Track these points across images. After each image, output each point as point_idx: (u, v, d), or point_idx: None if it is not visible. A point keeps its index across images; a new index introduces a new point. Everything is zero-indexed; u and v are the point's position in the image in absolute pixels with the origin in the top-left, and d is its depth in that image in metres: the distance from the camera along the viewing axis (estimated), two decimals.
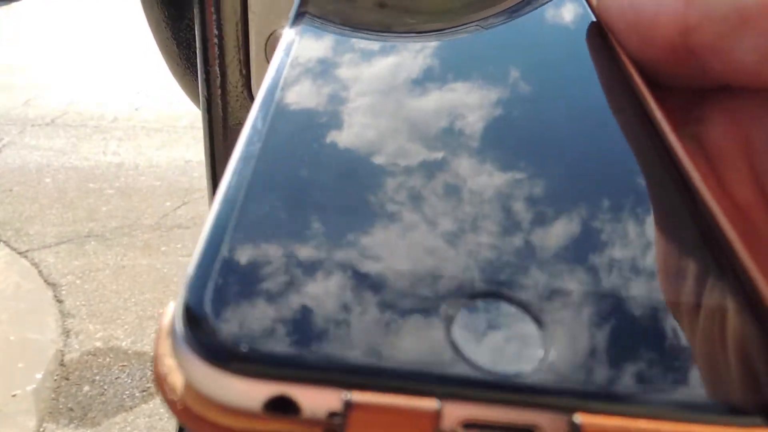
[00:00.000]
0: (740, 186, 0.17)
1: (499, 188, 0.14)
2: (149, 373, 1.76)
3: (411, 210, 0.13)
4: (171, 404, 0.11)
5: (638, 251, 0.13)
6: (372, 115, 0.16)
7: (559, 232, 0.13)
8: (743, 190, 0.17)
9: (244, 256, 0.12)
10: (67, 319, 1.95)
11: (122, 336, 1.89)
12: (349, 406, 0.10)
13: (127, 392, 1.71)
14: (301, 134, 0.15)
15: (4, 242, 2.32)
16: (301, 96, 0.16)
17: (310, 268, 0.12)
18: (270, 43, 0.39)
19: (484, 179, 0.14)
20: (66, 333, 1.89)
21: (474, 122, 0.16)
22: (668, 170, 0.15)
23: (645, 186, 0.15)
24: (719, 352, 0.11)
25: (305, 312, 0.11)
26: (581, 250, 0.13)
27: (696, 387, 0.11)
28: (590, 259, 0.12)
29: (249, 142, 0.14)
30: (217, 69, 0.39)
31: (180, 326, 0.11)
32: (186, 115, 3.53)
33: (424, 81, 0.17)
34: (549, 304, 0.11)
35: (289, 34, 0.19)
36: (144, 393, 1.70)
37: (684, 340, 0.11)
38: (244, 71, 0.40)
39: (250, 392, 0.10)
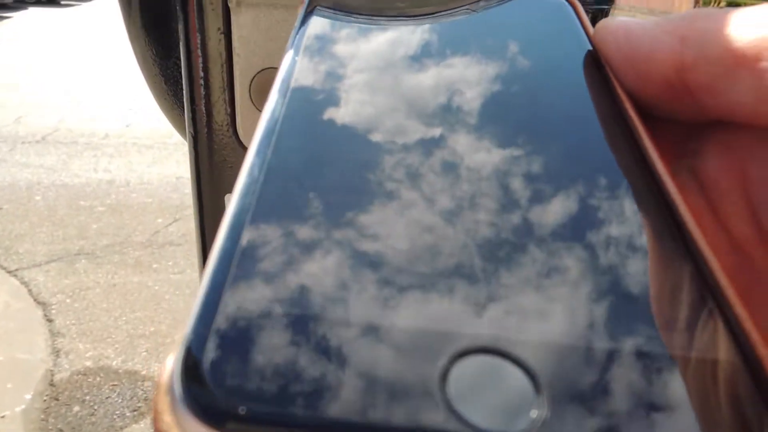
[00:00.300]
0: (737, 220, 0.17)
1: (492, 234, 0.14)
2: (140, 392, 1.75)
3: (399, 269, 0.13)
4: None
5: (630, 302, 0.13)
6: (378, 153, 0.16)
7: (549, 279, 0.13)
8: (740, 224, 0.17)
9: (240, 319, 0.12)
10: (56, 339, 1.93)
11: (113, 355, 1.88)
12: None
13: (117, 412, 1.69)
14: (295, 187, 0.15)
15: None
16: (295, 144, 0.16)
17: (304, 334, 0.12)
18: (254, 84, 0.40)
19: (474, 225, 0.14)
20: (56, 352, 1.87)
21: (465, 157, 0.16)
22: (660, 210, 0.15)
23: (636, 229, 0.14)
24: (714, 404, 0.11)
25: (300, 376, 0.11)
26: (573, 302, 0.13)
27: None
28: (582, 313, 0.12)
29: (244, 194, 0.14)
30: (203, 108, 0.40)
31: (178, 386, 0.11)
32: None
33: (434, 116, 0.17)
34: (543, 363, 0.12)
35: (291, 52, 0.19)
36: (135, 413, 1.68)
37: (677, 392, 0.11)
38: (229, 110, 0.42)
39: None
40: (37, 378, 1.77)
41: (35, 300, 2.11)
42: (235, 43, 0.38)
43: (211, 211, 0.45)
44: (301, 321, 0.12)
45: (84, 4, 12.24)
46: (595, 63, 0.19)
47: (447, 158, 0.16)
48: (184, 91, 0.39)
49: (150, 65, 0.49)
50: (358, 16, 0.21)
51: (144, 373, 1.82)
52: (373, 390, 0.11)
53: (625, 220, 0.15)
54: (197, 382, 0.11)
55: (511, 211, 0.14)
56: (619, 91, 0.18)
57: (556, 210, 0.15)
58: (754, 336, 0.12)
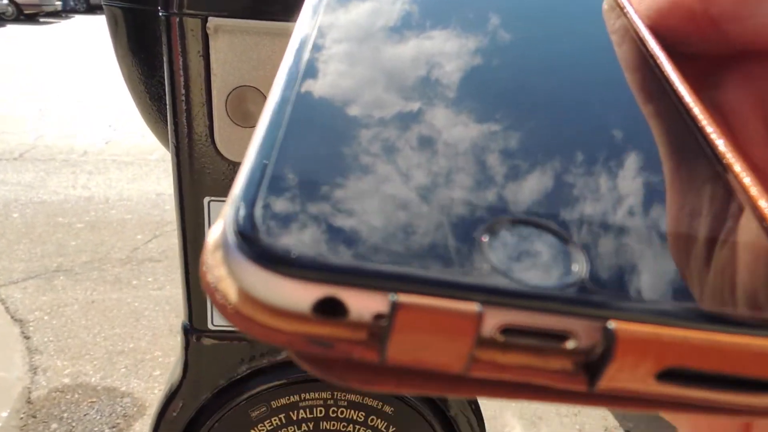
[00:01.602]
0: (757, 147, 0.17)
1: (533, 133, 0.15)
2: (119, 408, 1.74)
3: (453, 138, 0.14)
4: (222, 309, 0.11)
5: (659, 179, 0.14)
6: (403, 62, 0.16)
7: (591, 163, 0.14)
8: (760, 151, 0.17)
9: (292, 168, 0.12)
10: (34, 356, 1.91)
11: (91, 372, 1.87)
12: (395, 307, 0.10)
13: (96, 429, 1.67)
14: (340, 71, 0.15)
15: None
16: (337, 44, 0.16)
17: (359, 179, 0.12)
18: (230, 100, 0.44)
19: (524, 118, 0.15)
20: (33, 370, 1.85)
21: (495, 83, 0.16)
22: (682, 118, 0.15)
23: (662, 128, 0.15)
24: (739, 273, 0.12)
25: (355, 219, 0.11)
26: (609, 179, 0.13)
27: (718, 301, 0.11)
28: (618, 186, 0.13)
29: (290, 79, 0.14)
30: (185, 121, 0.44)
31: (232, 236, 0.11)
32: (158, 148, 3.52)
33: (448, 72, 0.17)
34: (585, 225, 0.12)
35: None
36: (114, 429, 1.67)
37: (709, 258, 0.12)
38: (207, 123, 0.46)
39: (301, 294, 0.10)
40: (14, 396, 1.75)
41: (12, 317, 2.09)
42: (213, 64, 0.43)
43: (193, 213, 0.48)
44: (355, 170, 0.12)
45: (62, 22, 12.17)
46: (618, 1, 0.20)
47: (477, 84, 0.16)
48: (168, 107, 0.43)
49: (136, 83, 0.53)
50: None
51: (123, 389, 1.81)
52: (425, 242, 0.11)
53: (647, 123, 0.15)
54: (252, 232, 0.11)
55: (545, 118, 0.15)
56: (643, 26, 0.18)
57: (598, 119, 0.15)
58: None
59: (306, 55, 0.15)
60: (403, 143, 0.13)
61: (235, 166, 0.48)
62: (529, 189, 0.13)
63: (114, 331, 2.04)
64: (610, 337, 0.11)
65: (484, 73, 0.16)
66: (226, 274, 0.11)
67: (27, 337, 1.99)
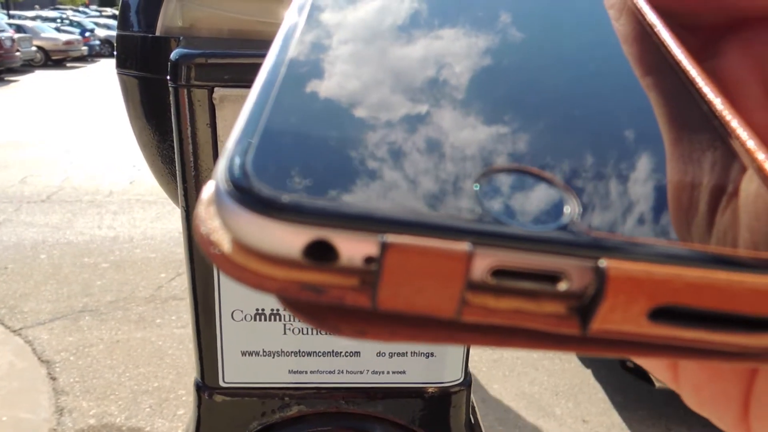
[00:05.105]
0: (758, 112, 0.17)
1: (527, 86, 0.15)
2: None
3: (448, 88, 0.14)
4: (216, 259, 0.11)
5: (654, 126, 0.14)
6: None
7: (584, 115, 0.14)
8: (761, 116, 0.17)
9: (283, 122, 0.12)
10: (60, 397, 1.93)
11: (116, 412, 1.87)
12: (384, 248, 0.10)
13: None
14: (334, 35, 0.15)
15: None
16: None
17: (349, 124, 0.12)
18: None
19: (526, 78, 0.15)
20: (59, 411, 1.87)
21: (488, 39, 0.16)
22: (682, 87, 0.15)
23: (661, 99, 0.15)
24: (735, 212, 0.12)
25: (344, 164, 0.11)
26: (600, 128, 0.14)
27: (713, 240, 0.11)
28: (609, 133, 0.14)
29: (285, 43, 0.15)
30: (194, 186, 0.45)
31: (224, 185, 0.11)
32: None
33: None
34: (578, 172, 0.12)
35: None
36: None
37: (707, 198, 0.12)
38: None
39: (291, 238, 0.10)
40: None
41: (39, 358, 2.11)
42: (220, 132, 0.44)
43: (202, 273, 0.49)
44: (345, 117, 0.12)
45: (88, 66, 12.59)
46: None
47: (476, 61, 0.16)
48: (177, 173, 0.45)
49: (148, 146, 0.55)
50: None
51: (148, 429, 1.81)
52: (414, 185, 0.11)
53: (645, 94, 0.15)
54: (243, 180, 0.11)
55: (549, 76, 0.16)
56: (642, 1, 0.18)
57: (594, 83, 0.16)
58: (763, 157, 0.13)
59: (302, 20, 0.16)
60: (397, 92, 0.13)
61: None
62: (522, 138, 0.13)
63: (138, 371, 2.05)
64: (601, 275, 0.11)
65: (476, 27, 0.16)
66: (220, 225, 0.11)
67: (53, 378, 2.01)
